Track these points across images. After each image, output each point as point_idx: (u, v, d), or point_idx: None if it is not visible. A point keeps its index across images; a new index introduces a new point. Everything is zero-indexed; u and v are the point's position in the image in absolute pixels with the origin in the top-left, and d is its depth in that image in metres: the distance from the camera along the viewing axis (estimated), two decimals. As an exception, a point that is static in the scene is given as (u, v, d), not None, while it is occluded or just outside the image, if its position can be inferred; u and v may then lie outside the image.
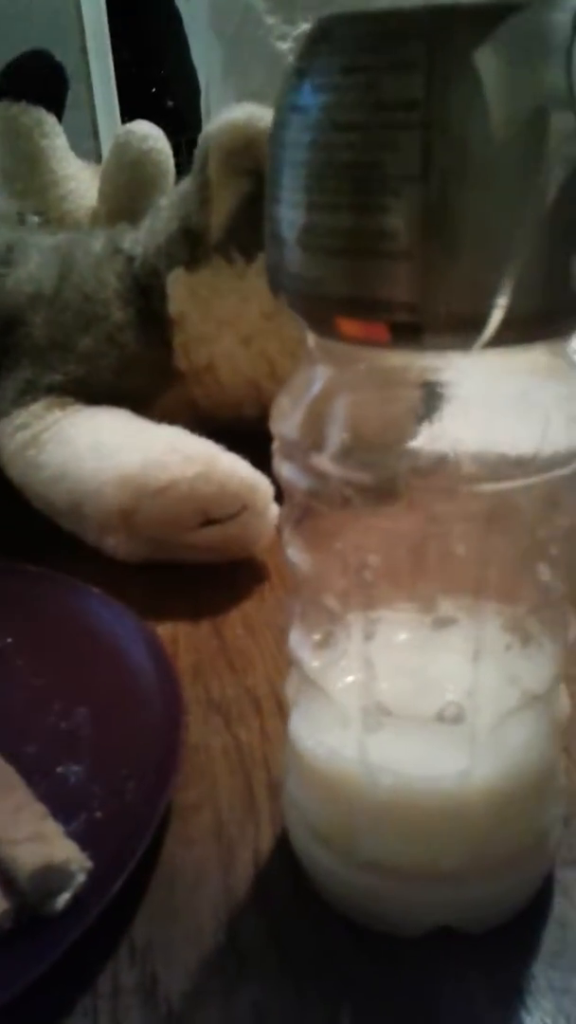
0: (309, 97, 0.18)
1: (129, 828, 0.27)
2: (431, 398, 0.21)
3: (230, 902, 0.27)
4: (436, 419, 0.21)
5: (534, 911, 0.26)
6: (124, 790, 0.29)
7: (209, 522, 0.42)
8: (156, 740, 0.30)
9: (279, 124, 0.19)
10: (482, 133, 0.16)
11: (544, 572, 0.24)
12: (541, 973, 0.24)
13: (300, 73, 0.18)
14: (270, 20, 0.70)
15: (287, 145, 0.18)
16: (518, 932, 0.25)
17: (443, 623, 0.22)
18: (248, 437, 0.47)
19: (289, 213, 0.19)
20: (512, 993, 0.24)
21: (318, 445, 0.21)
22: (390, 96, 0.16)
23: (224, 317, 0.46)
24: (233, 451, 0.43)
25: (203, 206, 0.44)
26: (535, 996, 0.23)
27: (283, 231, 0.19)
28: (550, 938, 0.25)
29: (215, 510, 0.41)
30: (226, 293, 0.46)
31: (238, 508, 0.42)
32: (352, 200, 0.17)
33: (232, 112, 0.43)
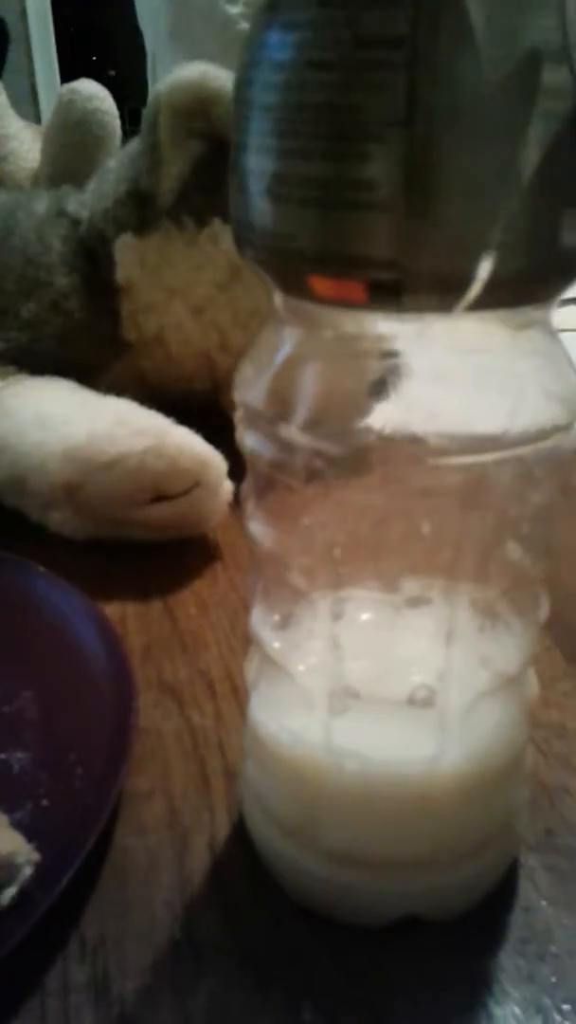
0: (281, 33, 0.16)
1: (78, 817, 0.26)
2: (396, 371, 0.20)
3: (185, 894, 0.26)
4: (402, 392, 0.20)
5: (500, 897, 0.25)
6: (72, 777, 0.28)
7: (159, 498, 0.40)
8: (105, 724, 0.29)
9: (247, 63, 0.17)
10: (472, 77, 0.15)
11: (515, 551, 0.23)
12: (509, 961, 0.23)
13: (271, 6, 0.17)
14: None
15: (256, 86, 0.17)
16: (484, 919, 0.25)
17: (414, 603, 0.21)
18: (199, 411, 0.46)
19: (257, 161, 0.17)
20: (480, 983, 0.23)
21: (285, 414, 0.20)
22: (372, 32, 0.15)
23: (174, 286, 0.45)
24: (184, 425, 0.41)
25: (153, 168, 0.42)
26: (503, 985, 0.23)
27: (250, 181, 0.18)
28: (516, 925, 0.24)
29: (166, 486, 0.40)
30: (176, 261, 0.44)
31: (190, 484, 0.40)
32: (328, 146, 0.16)
33: (184, 70, 0.41)
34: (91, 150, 0.51)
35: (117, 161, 0.46)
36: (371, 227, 0.16)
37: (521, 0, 0.15)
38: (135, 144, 0.44)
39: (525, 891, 0.25)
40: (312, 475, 0.20)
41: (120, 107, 0.61)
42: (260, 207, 0.18)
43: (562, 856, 0.26)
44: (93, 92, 0.52)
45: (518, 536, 0.23)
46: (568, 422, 0.21)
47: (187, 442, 0.40)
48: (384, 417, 0.20)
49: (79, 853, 0.25)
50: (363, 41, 0.15)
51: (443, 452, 0.20)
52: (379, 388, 0.20)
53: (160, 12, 0.77)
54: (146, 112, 0.43)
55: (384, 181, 0.16)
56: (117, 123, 0.53)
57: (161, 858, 0.27)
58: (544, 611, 0.23)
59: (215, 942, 0.24)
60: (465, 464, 0.20)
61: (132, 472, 0.39)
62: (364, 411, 0.20)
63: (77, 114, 0.51)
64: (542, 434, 0.21)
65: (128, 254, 0.44)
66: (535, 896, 0.25)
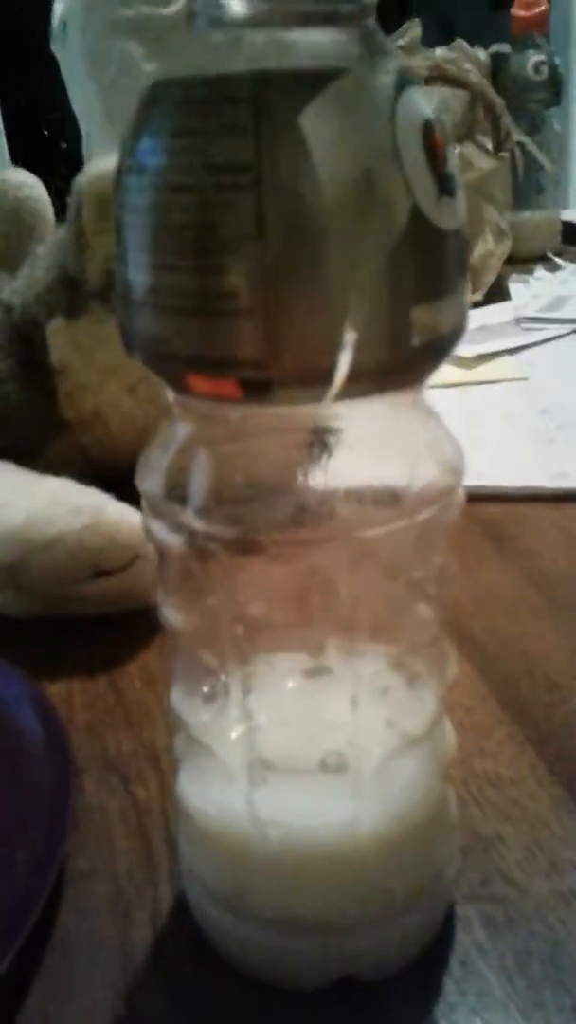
0: (144, 159, 0.18)
1: (18, 900, 0.26)
2: (313, 446, 0.21)
3: (128, 971, 0.26)
4: (313, 470, 0.21)
5: (437, 950, 0.26)
6: (15, 862, 0.28)
7: (101, 574, 0.41)
8: (45, 806, 0.29)
9: (120, 186, 0.19)
10: (314, 192, 0.17)
11: (422, 611, 0.24)
12: (443, 1017, 0.24)
13: (135, 135, 0.18)
14: (147, 67, 0.70)
15: (127, 207, 0.18)
16: (421, 975, 0.25)
17: (318, 673, 0.22)
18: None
19: (134, 274, 0.18)
20: (413, 1041, 0.23)
21: (182, 500, 0.21)
22: (221, 159, 0.17)
23: (107, 365, 0.46)
24: (127, 498, 0.42)
25: (79, 254, 0.44)
26: (436, 1042, 0.23)
27: (130, 291, 0.19)
28: (452, 979, 0.25)
29: (106, 562, 0.41)
30: (108, 341, 0.45)
31: (130, 558, 0.41)
32: (192, 261, 0.17)
33: (102, 160, 0.43)
34: (23, 237, 0.53)
35: (46, 248, 0.47)
36: (237, 331, 0.17)
37: (355, 120, 0.17)
38: (62, 231, 0.46)
39: (461, 943, 0.26)
40: (211, 557, 0.21)
41: (72, 180, 0.63)
42: (139, 314, 0.19)
43: (497, 906, 0.27)
44: (22, 180, 0.54)
45: (421, 597, 0.24)
46: (453, 486, 0.22)
47: (125, 517, 0.41)
48: (291, 491, 0.21)
49: (19, 937, 0.25)
50: (213, 167, 0.17)
51: (348, 526, 0.21)
52: (310, 458, 0.21)
53: (91, 96, 0.80)
54: (70, 201, 0.45)
55: (244, 290, 0.17)
56: (49, 209, 0.54)
57: (104, 936, 0.27)
58: (452, 670, 0.24)
59: (159, 1018, 0.25)
60: (369, 536, 0.21)
61: (72, 550, 0.40)
62: (284, 486, 0.22)
63: (8, 203, 0.53)
64: (435, 498, 0.22)
65: (60, 337, 0.46)
66: (471, 948, 0.26)
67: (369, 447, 0.22)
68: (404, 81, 0.17)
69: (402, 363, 0.18)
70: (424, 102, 0.18)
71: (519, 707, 0.36)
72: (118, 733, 0.36)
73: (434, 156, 0.17)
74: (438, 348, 0.19)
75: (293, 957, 0.24)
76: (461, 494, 0.23)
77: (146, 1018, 0.25)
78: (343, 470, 0.21)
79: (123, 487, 0.43)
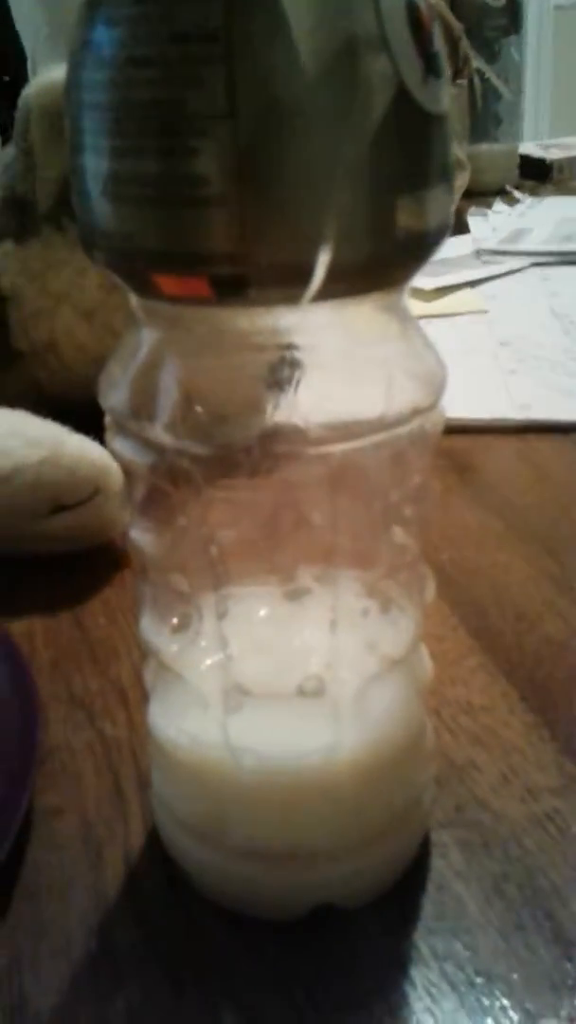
0: (102, 31, 0.16)
1: (-14, 840, 0.25)
2: (281, 365, 0.20)
3: (100, 907, 0.25)
4: (285, 388, 0.20)
5: (413, 877, 0.25)
6: (-21, 800, 0.27)
7: (60, 509, 0.39)
8: (10, 744, 0.28)
9: (73, 64, 0.17)
10: (290, 69, 0.15)
11: (398, 534, 0.23)
12: (423, 941, 0.24)
13: (91, 5, 0.16)
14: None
15: (83, 86, 0.17)
16: (398, 901, 0.25)
17: (298, 594, 0.22)
18: (99, 417, 0.45)
19: (93, 161, 0.17)
20: (395, 966, 0.23)
21: (150, 416, 0.20)
22: (187, 27, 0.15)
23: (61, 291, 0.44)
24: (83, 432, 0.41)
25: (27, 174, 0.41)
26: (418, 966, 0.23)
27: (88, 183, 0.17)
28: (430, 903, 0.25)
29: (65, 496, 0.39)
30: (60, 265, 0.43)
31: (90, 492, 0.40)
32: (157, 143, 0.16)
33: (52, 72, 0.41)
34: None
35: (-8, 169, 0.45)
36: (208, 222, 0.16)
37: (335, -12, 0.15)
38: (7, 151, 0.44)
39: (438, 868, 0.26)
40: (183, 476, 0.20)
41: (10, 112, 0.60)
42: (99, 208, 0.17)
43: (473, 831, 0.27)
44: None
45: (400, 519, 0.23)
46: (432, 402, 0.21)
47: (84, 450, 0.39)
48: (265, 410, 0.20)
49: (-13, 876, 0.24)
50: (179, 36, 0.15)
51: (319, 441, 0.20)
52: (278, 380, 0.20)
53: (36, 13, 0.76)
54: (17, 117, 0.42)
55: (215, 175, 0.16)
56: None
57: (75, 873, 0.26)
58: (430, 592, 0.24)
59: (132, 952, 0.24)
60: (343, 451, 0.20)
61: (29, 484, 0.38)
62: (257, 404, 0.20)
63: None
64: (411, 415, 0.21)
65: (10, 262, 0.44)
66: (447, 872, 0.26)
67: (343, 361, 0.21)
68: (386, -52, 0.16)
69: (385, 259, 0.17)
70: (408, -27, 0.16)
71: (489, 636, 0.35)
72: (83, 669, 0.35)
73: (420, 32, 0.16)
74: (423, 244, 0.17)
75: (269, 887, 0.24)
76: (441, 411, 0.22)
77: (120, 954, 0.24)
78: (316, 386, 0.20)
79: (80, 420, 0.41)
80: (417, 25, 0.16)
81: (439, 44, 0.17)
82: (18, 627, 0.37)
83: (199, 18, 0.15)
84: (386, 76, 0.16)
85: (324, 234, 0.16)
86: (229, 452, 0.19)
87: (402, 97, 0.16)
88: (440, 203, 0.17)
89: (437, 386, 0.21)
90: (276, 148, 0.15)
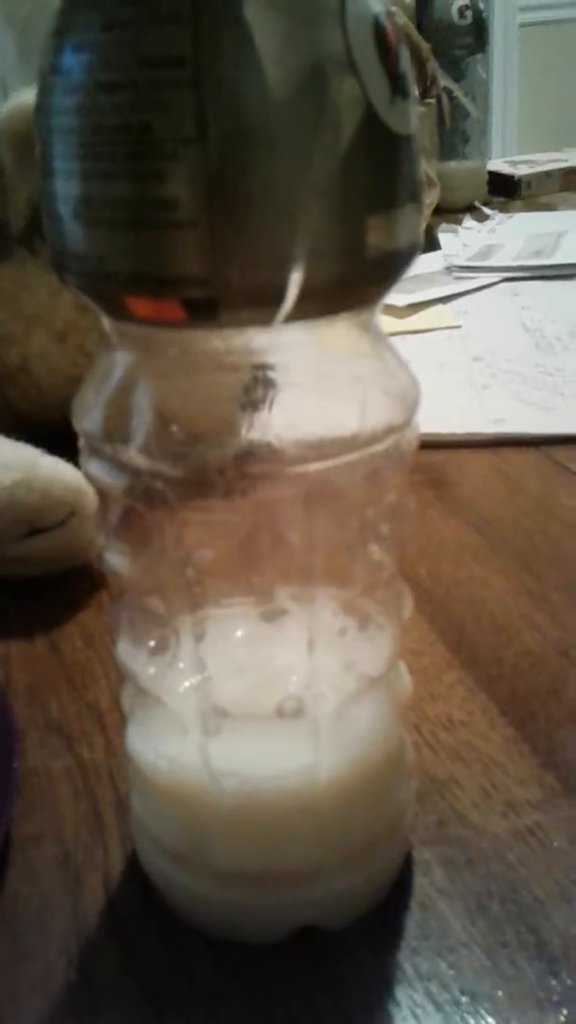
0: (71, 58, 0.16)
1: (-37, 871, 0.25)
2: (254, 385, 0.20)
3: (80, 935, 0.25)
4: (259, 408, 0.20)
5: (396, 895, 0.25)
6: (-44, 830, 0.27)
7: (35, 531, 0.39)
8: (-13, 772, 0.28)
9: (43, 90, 0.17)
10: (258, 93, 0.15)
11: (375, 552, 0.23)
12: (407, 961, 0.23)
13: (60, 32, 0.16)
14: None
15: (53, 111, 0.17)
16: (381, 921, 0.25)
17: (274, 615, 0.21)
18: (73, 438, 0.45)
19: (63, 185, 0.17)
20: (380, 987, 0.23)
21: (124, 438, 0.19)
22: (156, 52, 0.15)
23: (33, 313, 0.44)
24: (58, 454, 0.40)
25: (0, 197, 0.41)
26: (403, 985, 0.23)
27: (59, 206, 0.17)
28: (413, 922, 0.25)
29: (40, 519, 0.39)
30: (33, 287, 0.43)
31: (65, 515, 0.39)
32: (127, 167, 0.16)
33: (21, 96, 0.41)
34: None
35: (-38, 191, 0.45)
36: (179, 245, 0.16)
37: (302, 14, 0.15)
38: (-22, 173, 0.43)
39: (420, 886, 0.26)
40: (157, 498, 0.20)
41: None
42: (71, 231, 0.17)
43: (455, 847, 0.27)
44: None
45: (376, 537, 0.23)
46: (406, 420, 0.21)
47: (58, 472, 0.39)
48: (234, 434, 0.20)
49: (-36, 908, 0.24)
50: (147, 61, 0.15)
51: (293, 461, 0.20)
52: (251, 400, 0.20)
53: (4, 37, 0.76)
54: (-13, 140, 0.42)
55: (185, 199, 0.16)
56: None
57: (54, 901, 0.26)
58: (408, 609, 0.23)
59: (113, 981, 0.24)
60: (318, 470, 0.20)
61: (3, 507, 0.38)
62: (230, 425, 0.20)
63: None
64: (386, 433, 0.21)
65: (-19, 285, 0.43)
66: (430, 890, 0.25)
67: (317, 380, 0.21)
68: (352, -28, 0.16)
69: (357, 279, 0.17)
70: (374, -3, 0.16)
71: (467, 650, 0.35)
72: (60, 694, 0.34)
73: (386, 53, 0.16)
74: (394, 263, 0.17)
75: (251, 910, 0.24)
76: (415, 428, 0.22)
77: (100, 982, 0.24)
78: (290, 405, 0.20)
79: (53, 442, 0.41)
80: (384, 47, 0.16)
81: (406, 65, 0.17)
82: (-7, 652, 0.36)
83: (167, 43, 0.15)
84: (354, 98, 0.16)
85: (295, 255, 0.16)
86: (204, 473, 0.19)
87: (370, 119, 0.16)
88: (410, 222, 0.18)
89: (411, 403, 0.21)
90: (245, 171, 0.15)
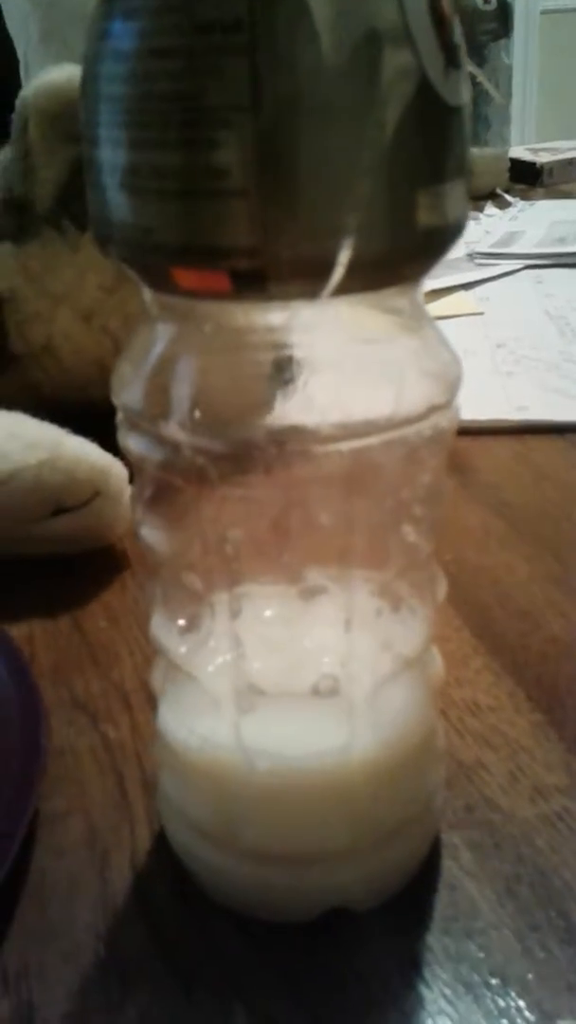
0: (121, 23, 0.16)
1: (-8, 846, 0.25)
2: (285, 363, 0.20)
3: (108, 912, 0.25)
4: (293, 386, 0.20)
5: (424, 878, 0.25)
6: (-15, 806, 0.27)
7: (59, 511, 0.39)
8: (14, 749, 0.28)
9: (90, 57, 0.17)
10: (314, 61, 0.15)
11: (410, 533, 0.23)
12: (436, 942, 0.23)
13: (109, -3, 0.16)
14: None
15: (101, 79, 0.16)
16: (409, 902, 0.25)
17: (312, 593, 0.21)
18: (97, 419, 0.45)
19: (110, 154, 0.17)
20: (409, 968, 0.23)
21: (164, 412, 0.19)
22: (210, 17, 0.15)
23: (60, 293, 0.44)
24: (81, 434, 0.40)
25: (27, 175, 0.41)
26: (432, 967, 0.23)
27: (104, 176, 0.17)
28: (441, 904, 0.25)
29: (65, 499, 0.39)
30: (60, 267, 0.43)
31: (90, 495, 0.39)
32: (178, 135, 0.16)
33: (51, 73, 0.41)
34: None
35: (-11, 170, 0.44)
36: (229, 215, 0.16)
37: (358, -20, 0.15)
38: (5, 152, 0.43)
39: (449, 869, 0.26)
40: (197, 473, 0.20)
41: (1, 115, 0.59)
42: (116, 202, 0.17)
43: (483, 831, 0.27)
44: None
45: (411, 518, 0.23)
46: (447, 400, 0.21)
47: (83, 452, 0.39)
48: (273, 409, 0.20)
49: (-6, 882, 0.24)
50: (201, 26, 0.15)
51: (332, 439, 0.20)
52: (282, 378, 0.20)
53: (29, 16, 0.76)
54: (15, 118, 0.42)
55: (236, 168, 0.15)
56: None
57: (82, 878, 0.26)
58: (442, 591, 0.23)
59: (141, 957, 0.24)
60: (355, 449, 0.20)
61: (29, 487, 0.38)
62: (264, 403, 0.20)
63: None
64: (425, 413, 0.21)
65: (8, 263, 0.43)
66: (459, 873, 0.25)
67: (358, 358, 0.20)
68: None
69: (405, 253, 0.17)
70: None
71: (493, 636, 0.35)
72: (85, 673, 0.34)
73: (441, 23, 0.16)
74: (442, 238, 0.17)
75: (281, 890, 0.24)
76: (456, 409, 0.22)
77: (128, 959, 0.24)
78: (329, 383, 0.20)
79: (78, 422, 0.41)
80: (439, 17, 0.16)
81: (459, 36, 0.17)
82: (18, 631, 0.36)
83: (222, 8, 0.15)
84: (409, 68, 0.15)
85: (344, 228, 0.16)
86: (244, 449, 0.19)
87: (424, 90, 0.16)
88: (458, 197, 0.17)
89: (452, 382, 0.21)
90: (298, 141, 0.15)
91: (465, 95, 0.17)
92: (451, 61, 0.16)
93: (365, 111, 0.15)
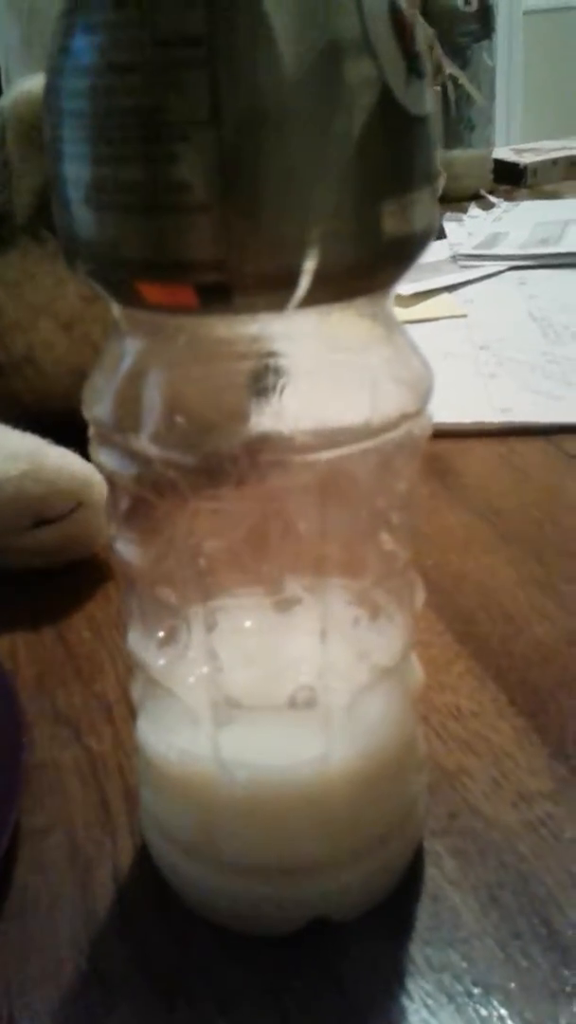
0: (82, 38, 0.16)
1: (-28, 862, 0.25)
2: (262, 373, 0.20)
3: (90, 927, 0.25)
4: (269, 396, 0.20)
5: (406, 887, 0.25)
6: (-35, 821, 0.26)
7: (41, 523, 0.39)
8: (-4, 763, 0.28)
9: (52, 71, 0.17)
10: (274, 74, 0.15)
11: (386, 541, 0.23)
12: (418, 952, 0.23)
13: (69, 12, 0.16)
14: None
15: (63, 94, 0.16)
16: (392, 912, 0.25)
17: (288, 604, 0.21)
18: (78, 429, 0.45)
19: (74, 169, 0.17)
20: (391, 977, 0.23)
21: (135, 426, 0.19)
22: (170, 31, 0.15)
23: (39, 302, 0.43)
24: (63, 444, 0.40)
25: (5, 184, 0.41)
26: (414, 977, 0.23)
27: (69, 191, 0.17)
28: (424, 914, 0.24)
29: (46, 510, 0.39)
30: (39, 276, 0.43)
31: (72, 506, 0.39)
32: (140, 150, 0.16)
33: (28, 82, 0.40)
34: None
35: (-34, 179, 0.44)
36: (192, 229, 0.16)
37: (317, -8, 0.15)
38: (-17, 161, 0.43)
39: (432, 878, 0.25)
40: (169, 487, 0.19)
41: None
42: (82, 217, 0.17)
43: (466, 839, 0.27)
44: None
45: (388, 526, 0.23)
46: (418, 408, 0.21)
47: (65, 462, 0.39)
48: (249, 420, 0.20)
49: (-26, 899, 0.24)
50: (161, 41, 0.15)
51: (306, 449, 0.20)
52: (258, 388, 0.20)
53: (9, 24, 0.76)
54: (-9, 127, 0.42)
55: (199, 182, 0.15)
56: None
57: (64, 893, 0.26)
58: (420, 599, 0.23)
59: (123, 971, 0.24)
60: (330, 459, 0.20)
61: (10, 498, 0.38)
62: (241, 414, 0.20)
63: None
64: (398, 421, 0.21)
65: (-14, 274, 0.43)
66: (442, 882, 0.25)
67: (328, 368, 0.20)
68: (366, -49, 0.16)
69: (371, 264, 0.17)
70: (387, -24, 0.16)
71: (476, 641, 0.35)
72: (68, 686, 0.34)
73: (402, 31, 0.16)
74: (409, 248, 0.17)
75: (262, 902, 0.24)
76: (428, 417, 0.22)
77: (111, 974, 0.24)
78: (302, 393, 0.20)
79: (60, 433, 0.41)
80: (400, 26, 0.16)
81: (421, 44, 0.17)
82: (0, 643, 0.36)
83: (181, 22, 0.15)
84: (370, 79, 0.15)
85: (309, 240, 0.16)
86: (215, 461, 0.19)
87: (386, 100, 0.16)
88: (425, 206, 0.17)
89: (424, 391, 0.21)
90: (259, 154, 0.15)
91: (429, 104, 0.17)
92: (413, 70, 0.16)
93: (326, 123, 0.15)
